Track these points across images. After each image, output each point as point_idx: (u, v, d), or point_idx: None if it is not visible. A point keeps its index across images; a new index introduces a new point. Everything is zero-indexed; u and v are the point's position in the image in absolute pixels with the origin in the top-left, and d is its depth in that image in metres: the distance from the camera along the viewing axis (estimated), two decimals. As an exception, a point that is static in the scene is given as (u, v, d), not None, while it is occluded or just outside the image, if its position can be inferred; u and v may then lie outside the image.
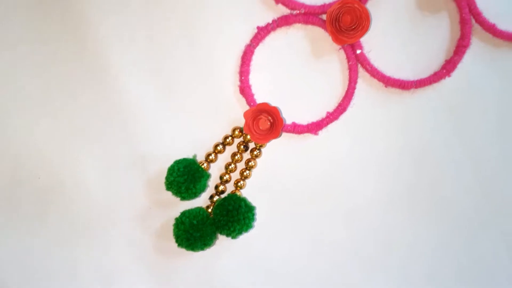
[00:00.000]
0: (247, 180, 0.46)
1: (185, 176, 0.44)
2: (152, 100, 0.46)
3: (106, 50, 0.46)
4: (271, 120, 0.44)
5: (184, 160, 0.45)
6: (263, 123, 0.44)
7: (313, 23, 0.45)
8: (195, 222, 0.43)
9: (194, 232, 0.43)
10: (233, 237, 0.44)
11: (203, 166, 0.45)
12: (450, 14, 0.46)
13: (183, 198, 0.44)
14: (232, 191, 0.46)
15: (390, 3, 0.46)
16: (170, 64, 0.46)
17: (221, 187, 0.46)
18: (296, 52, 0.46)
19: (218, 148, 0.46)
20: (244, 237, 0.45)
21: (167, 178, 0.44)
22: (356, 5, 0.43)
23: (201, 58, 0.46)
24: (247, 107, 0.46)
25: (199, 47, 0.46)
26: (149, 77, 0.46)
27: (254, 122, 0.45)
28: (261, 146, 0.46)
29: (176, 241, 0.44)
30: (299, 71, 0.46)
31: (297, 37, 0.46)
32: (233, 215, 0.43)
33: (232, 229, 0.43)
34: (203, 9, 0.46)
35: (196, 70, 0.46)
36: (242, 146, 0.46)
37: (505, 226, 0.47)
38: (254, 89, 0.46)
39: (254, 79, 0.46)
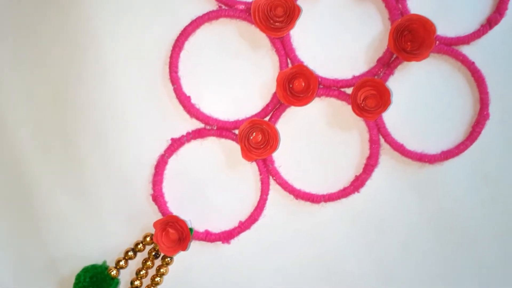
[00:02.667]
0: (158, 287, 0.47)
1: (90, 287, 0.44)
2: (65, 204, 0.47)
3: (22, 154, 0.47)
4: (180, 233, 0.45)
5: (92, 268, 0.45)
6: (172, 235, 0.45)
7: (226, 137, 0.47)
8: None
9: None
10: None
11: (112, 273, 0.46)
12: (360, 132, 0.47)
13: (90, 307, 0.45)
14: (141, 298, 0.47)
15: (300, 120, 0.47)
16: (85, 170, 0.47)
17: (131, 293, 0.47)
18: (210, 163, 0.47)
19: (129, 254, 0.47)
20: None
21: (73, 287, 0.45)
22: (264, 126, 0.45)
23: (116, 166, 0.47)
24: (160, 215, 0.47)
25: (114, 154, 0.47)
26: (63, 181, 0.47)
27: (163, 233, 0.45)
28: (172, 253, 0.47)
29: None
30: (212, 181, 0.47)
31: (211, 149, 0.47)
32: (136, 327, 0.44)
33: None
34: (118, 119, 0.47)
35: (111, 177, 0.47)
36: (153, 253, 0.47)
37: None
38: (168, 197, 0.47)
39: (167, 188, 0.47)
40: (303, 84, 0.45)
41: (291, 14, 0.44)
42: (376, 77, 0.47)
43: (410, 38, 0.45)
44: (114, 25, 0.46)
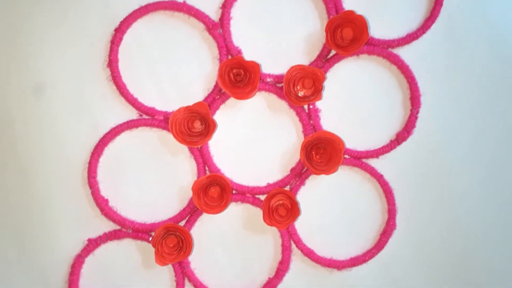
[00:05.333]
0: None
1: None
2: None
3: None
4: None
5: None
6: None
7: (142, 239, 0.48)
8: None
9: None
10: None
11: None
12: (273, 237, 0.49)
13: None
14: None
15: (216, 224, 0.49)
16: (1, 266, 0.48)
17: None
18: (126, 263, 0.48)
19: None
20: None
21: None
22: (178, 232, 0.46)
23: (33, 264, 0.47)
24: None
25: (32, 253, 0.48)
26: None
27: (75, 334, 0.46)
28: None
29: None
30: (128, 281, 0.48)
31: (128, 250, 0.48)
32: None
33: None
34: (37, 219, 0.48)
35: (27, 274, 0.47)
36: None
37: None
38: (84, 298, 0.48)
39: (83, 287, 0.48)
40: (218, 193, 0.47)
41: (207, 127, 0.46)
42: (289, 186, 0.49)
43: (320, 153, 0.47)
44: (35, 128, 0.47)
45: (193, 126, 0.46)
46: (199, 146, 0.47)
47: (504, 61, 0.49)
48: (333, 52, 0.48)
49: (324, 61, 0.48)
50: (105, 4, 0.47)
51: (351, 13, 0.45)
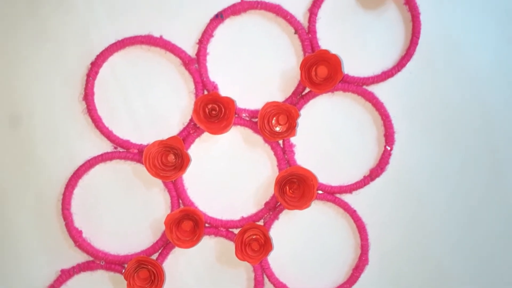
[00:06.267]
0: None
1: None
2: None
3: None
4: None
5: None
6: None
7: (115, 271, 0.48)
8: None
9: None
10: None
11: None
12: (247, 271, 0.49)
13: None
14: None
15: (190, 258, 0.49)
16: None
17: None
18: (99, 289, 0.49)
19: None
20: None
21: None
22: (149, 266, 0.46)
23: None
24: None
25: (2, 284, 0.48)
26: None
27: None
28: None
29: None
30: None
31: (102, 282, 0.48)
32: None
33: None
34: (11, 249, 0.48)
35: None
36: None
37: None
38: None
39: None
40: (190, 227, 0.47)
41: (181, 162, 0.46)
42: (263, 220, 0.49)
43: (294, 188, 0.47)
44: (10, 159, 0.47)
45: (167, 160, 0.46)
46: (172, 180, 0.47)
47: (479, 100, 0.50)
48: (308, 89, 0.48)
49: (299, 97, 0.48)
50: (82, 38, 0.47)
51: (325, 52, 0.46)
